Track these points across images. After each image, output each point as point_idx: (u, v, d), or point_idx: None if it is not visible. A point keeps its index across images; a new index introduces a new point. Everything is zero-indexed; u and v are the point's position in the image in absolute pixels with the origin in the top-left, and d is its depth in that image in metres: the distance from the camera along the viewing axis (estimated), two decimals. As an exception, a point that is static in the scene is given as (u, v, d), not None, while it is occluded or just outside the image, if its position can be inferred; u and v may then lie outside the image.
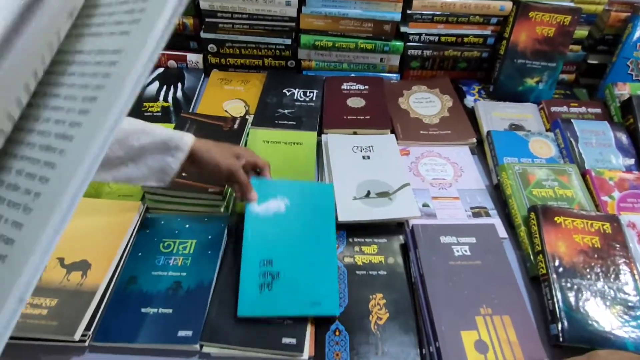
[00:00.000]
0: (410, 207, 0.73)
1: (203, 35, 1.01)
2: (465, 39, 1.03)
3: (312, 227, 0.67)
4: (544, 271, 0.64)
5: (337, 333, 0.59)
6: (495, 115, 0.95)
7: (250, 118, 0.92)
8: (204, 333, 0.57)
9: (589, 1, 0.98)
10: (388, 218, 0.72)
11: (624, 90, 0.95)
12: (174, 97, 0.98)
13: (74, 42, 0.27)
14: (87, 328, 0.56)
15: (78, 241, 0.63)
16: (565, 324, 0.58)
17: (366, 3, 0.98)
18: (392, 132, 0.90)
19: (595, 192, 0.77)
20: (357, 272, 0.66)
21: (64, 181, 0.22)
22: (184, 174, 0.67)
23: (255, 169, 0.69)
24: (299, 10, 0.98)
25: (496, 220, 0.74)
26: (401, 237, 0.71)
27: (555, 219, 0.68)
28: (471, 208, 0.77)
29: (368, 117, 0.93)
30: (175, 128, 0.84)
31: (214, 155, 0.62)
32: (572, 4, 0.96)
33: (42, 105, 0.25)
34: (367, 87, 1.00)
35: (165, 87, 1.00)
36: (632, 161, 0.84)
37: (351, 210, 0.72)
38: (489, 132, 0.88)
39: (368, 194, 0.75)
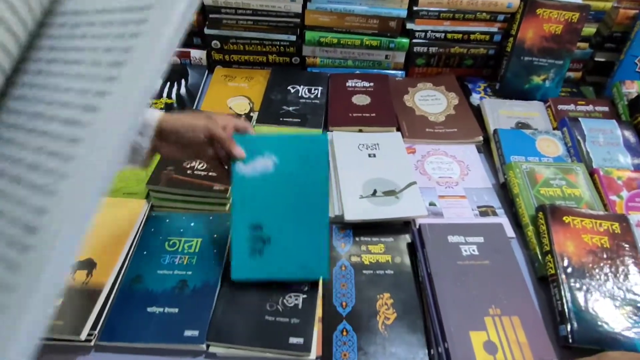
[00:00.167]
0: (417, 206, 0.73)
1: (207, 31, 1.00)
2: (472, 36, 1.02)
3: (304, 186, 0.61)
4: (553, 271, 0.63)
5: (344, 333, 0.58)
6: (501, 113, 0.94)
7: (254, 115, 0.91)
8: (210, 333, 0.57)
9: (597, -2, 0.97)
10: (395, 217, 0.72)
11: (631, 88, 0.94)
12: (178, 94, 0.97)
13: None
14: (93, 327, 0.55)
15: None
16: (575, 324, 0.58)
17: (372, -1, 0.97)
18: (398, 129, 0.90)
19: (603, 192, 0.76)
20: (364, 271, 0.65)
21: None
22: (162, 153, 0.59)
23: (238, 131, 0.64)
24: (304, 6, 0.97)
25: (503, 220, 0.74)
26: (408, 236, 0.71)
27: (564, 218, 0.68)
28: (478, 207, 0.76)
29: (374, 114, 0.92)
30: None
31: (185, 120, 0.57)
32: (580, 1, 0.94)
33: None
34: (372, 84, 0.99)
35: (168, 83, 0.99)
36: (640, 160, 0.83)
37: (358, 210, 0.71)
38: (495, 131, 0.87)
39: (374, 193, 0.74)
